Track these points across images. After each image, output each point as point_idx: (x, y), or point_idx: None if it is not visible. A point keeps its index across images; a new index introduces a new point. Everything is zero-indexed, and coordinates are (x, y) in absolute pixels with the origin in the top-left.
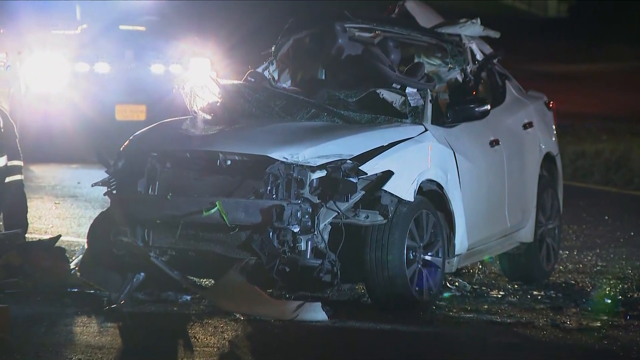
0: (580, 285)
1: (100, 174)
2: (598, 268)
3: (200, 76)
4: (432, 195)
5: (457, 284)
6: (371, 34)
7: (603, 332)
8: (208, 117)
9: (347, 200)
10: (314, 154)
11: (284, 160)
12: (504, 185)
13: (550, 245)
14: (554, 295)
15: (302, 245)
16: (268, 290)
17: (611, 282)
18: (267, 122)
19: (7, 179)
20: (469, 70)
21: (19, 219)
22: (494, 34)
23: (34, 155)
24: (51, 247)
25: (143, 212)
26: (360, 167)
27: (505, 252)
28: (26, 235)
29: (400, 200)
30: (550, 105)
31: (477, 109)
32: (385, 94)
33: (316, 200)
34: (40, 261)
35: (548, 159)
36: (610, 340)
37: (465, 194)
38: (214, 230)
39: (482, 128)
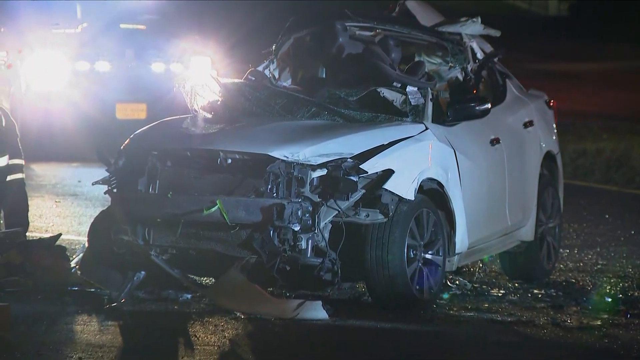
0: (581, 283)
1: (101, 173)
2: (599, 266)
3: (201, 75)
4: (432, 193)
5: (457, 282)
6: (372, 33)
7: (604, 331)
8: (209, 115)
9: (348, 199)
10: (314, 153)
11: (285, 158)
12: (505, 183)
13: (551, 243)
14: (554, 294)
15: (303, 244)
16: (269, 289)
17: (612, 280)
18: (268, 121)
19: (9, 178)
20: (469, 69)
21: (20, 217)
22: (495, 33)
23: (35, 154)
24: (52, 246)
25: (144, 211)
26: (360, 166)
27: (505, 250)
28: (27, 234)
29: (400, 198)
30: (551, 103)
31: (477, 108)
32: (386, 92)
33: (317, 198)
34: (41, 260)
35: (549, 157)
36: (611, 338)
37: (466, 192)
38: (215, 228)
39: (482, 127)
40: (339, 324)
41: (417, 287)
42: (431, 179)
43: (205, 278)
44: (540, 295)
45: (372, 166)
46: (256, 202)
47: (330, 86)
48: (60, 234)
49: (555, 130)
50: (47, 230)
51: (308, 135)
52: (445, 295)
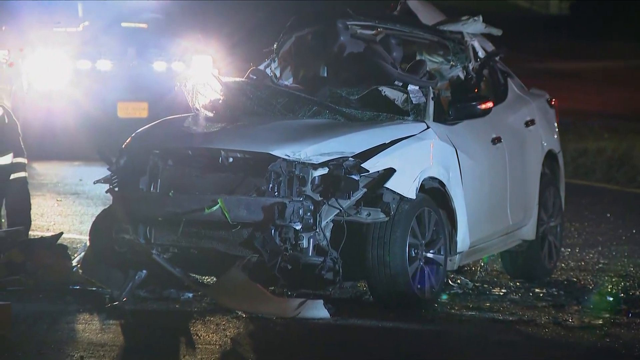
0: (582, 282)
1: (102, 172)
2: (600, 266)
3: (203, 74)
4: (434, 192)
5: (459, 281)
6: (373, 32)
7: (605, 330)
8: (210, 114)
9: (349, 198)
10: (316, 152)
11: (286, 157)
12: (506, 182)
13: (552, 242)
14: (555, 293)
15: (304, 243)
16: (270, 288)
17: (613, 279)
18: (269, 120)
19: (12, 176)
20: (471, 67)
21: (22, 216)
22: (496, 32)
23: (36, 153)
24: (53, 245)
25: (145, 210)
26: (362, 165)
27: (507, 249)
28: (28, 233)
29: (402, 197)
30: (552, 102)
31: (479, 107)
32: (387, 91)
33: (318, 197)
34: (42, 259)
35: (550, 156)
36: (612, 337)
37: (467, 191)
38: (216, 227)
39: (484, 125)
40: (340, 323)
41: (419, 286)
42: (432, 178)
43: (207, 277)
44: (541, 295)
45: (374, 165)
46: (257, 201)
47: (331, 85)
48: (61, 233)
49: (557, 129)
50: (48, 229)
51: (309, 134)
52: (447, 295)
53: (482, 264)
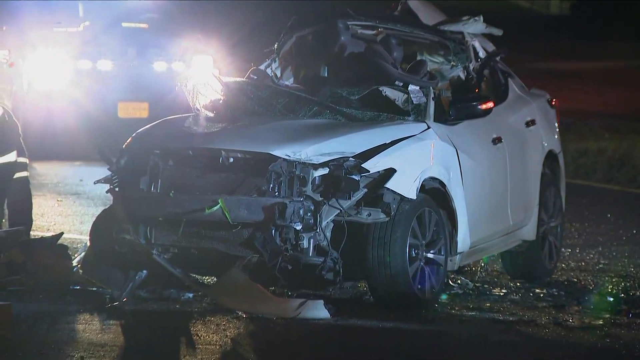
0: (583, 283)
1: (103, 172)
2: (600, 266)
3: (203, 74)
4: (434, 193)
5: (459, 281)
6: (374, 32)
7: (605, 330)
8: (210, 114)
9: (350, 198)
10: (316, 152)
11: (287, 157)
12: (507, 183)
13: (553, 243)
14: (556, 293)
15: (305, 243)
16: (270, 288)
17: (613, 280)
18: (270, 120)
19: (14, 176)
20: (471, 67)
21: (24, 215)
22: (497, 32)
23: (37, 153)
24: (53, 245)
25: (145, 210)
26: (362, 165)
27: (507, 250)
28: (30, 233)
29: (402, 198)
30: (553, 102)
31: (479, 107)
32: (388, 91)
33: (318, 197)
34: (43, 259)
35: (550, 156)
36: (613, 338)
37: (468, 191)
38: (217, 227)
39: (484, 126)
40: (340, 324)
41: (419, 287)
42: (433, 178)
43: (207, 277)
44: (542, 295)
45: (374, 165)
46: (258, 201)
47: (332, 85)
48: (62, 233)
49: (557, 129)
50: (49, 229)
51: (310, 134)
52: (447, 295)
53: (483, 264)
